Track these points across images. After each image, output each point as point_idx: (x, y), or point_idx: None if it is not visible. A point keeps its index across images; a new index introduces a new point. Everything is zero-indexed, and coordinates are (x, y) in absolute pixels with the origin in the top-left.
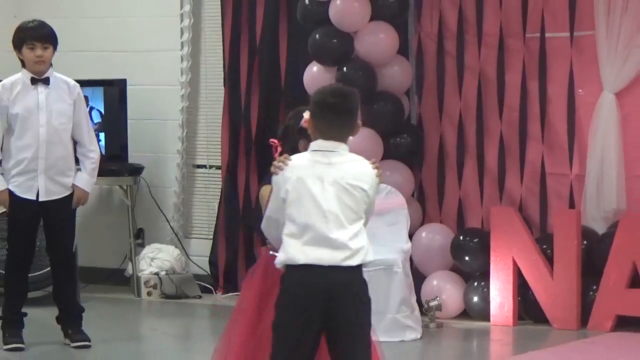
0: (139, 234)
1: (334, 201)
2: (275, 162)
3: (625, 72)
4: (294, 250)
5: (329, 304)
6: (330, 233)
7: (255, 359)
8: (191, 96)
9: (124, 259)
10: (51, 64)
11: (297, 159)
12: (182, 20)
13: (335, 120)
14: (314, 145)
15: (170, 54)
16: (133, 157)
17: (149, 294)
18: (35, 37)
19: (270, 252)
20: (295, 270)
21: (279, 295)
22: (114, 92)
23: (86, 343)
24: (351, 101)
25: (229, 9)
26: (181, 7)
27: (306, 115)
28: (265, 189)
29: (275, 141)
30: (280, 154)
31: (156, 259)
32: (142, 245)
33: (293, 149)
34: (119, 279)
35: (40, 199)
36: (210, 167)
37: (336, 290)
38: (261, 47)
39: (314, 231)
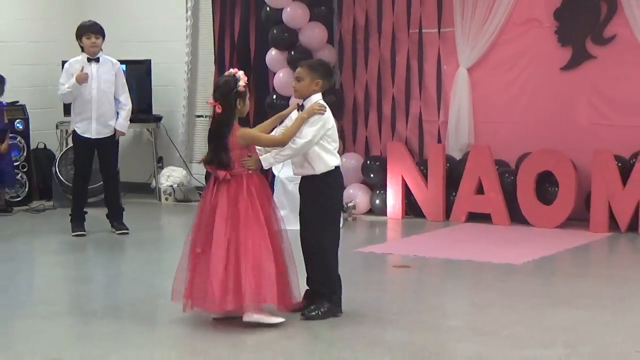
0: (159, 160)
1: None
2: (316, 108)
3: (474, 55)
4: (337, 159)
5: None
6: None
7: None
8: (192, 71)
9: (150, 176)
10: (101, 49)
11: (324, 104)
12: (186, 21)
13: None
14: (320, 95)
15: (178, 43)
16: (155, 110)
17: (166, 199)
18: (91, 30)
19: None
20: (337, 169)
21: (332, 187)
22: (143, 68)
23: (126, 231)
24: None
25: (217, 14)
26: (186, 12)
27: (243, 81)
28: (244, 129)
29: (212, 102)
30: (221, 112)
31: (171, 176)
32: (162, 168)
33: (232, 107)
34: (146, 190)
35: (94, 137)
36: (205, 116)
37: None
38: (239, 38)
39: (336, 145)
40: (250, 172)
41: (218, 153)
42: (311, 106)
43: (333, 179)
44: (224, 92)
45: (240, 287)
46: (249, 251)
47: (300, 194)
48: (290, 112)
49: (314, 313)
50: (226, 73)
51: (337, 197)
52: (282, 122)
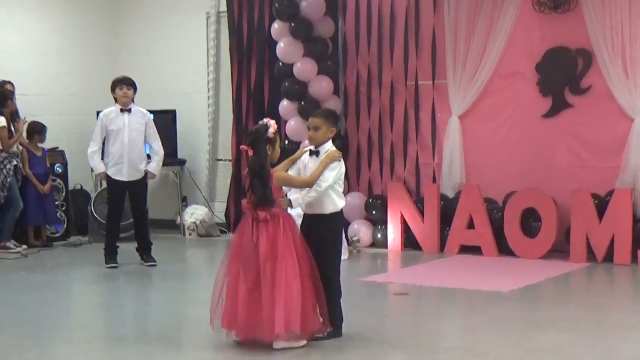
0: (184, 199)
1: None
2: (336, 154)
3: (465, 104)
4: (343, 201)
5: None
6: None
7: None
8: (214, 119)
9: (175, 214)
10: (133, 101)
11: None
12: (208, 75)
13: None
14: (331, 141)
15: (201, 95)
16: (180, 154)
17: (189, 234)
18: (123, 82)
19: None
20: (341, 211)
21: (337, 226)
22: (169, 117)
23: (154, 263)
24: None
25: (235, 68)
26: (207, 68)
27: (273, 128)
28: (279, 172)
29: (245, 147)
30: (252, 157)
31: (194, 213)
32: (186, 206)
33: (263, 152)
34: (172, 226)
35: (126, 180)
36: (226, 160)
37: None
38: (254, 90)
39: (342, 187)
40: (283, 211)
41: (265, 194)
42: (332, 153)
43: (338, 219)
44: (255, 138)
45: (274, 318)
46: (282, 287)
47: (305, 230)
48: (301, 156)
49: (320, 335)
50: (260, 122)
51: (340, 234)
52: (294, 163)
